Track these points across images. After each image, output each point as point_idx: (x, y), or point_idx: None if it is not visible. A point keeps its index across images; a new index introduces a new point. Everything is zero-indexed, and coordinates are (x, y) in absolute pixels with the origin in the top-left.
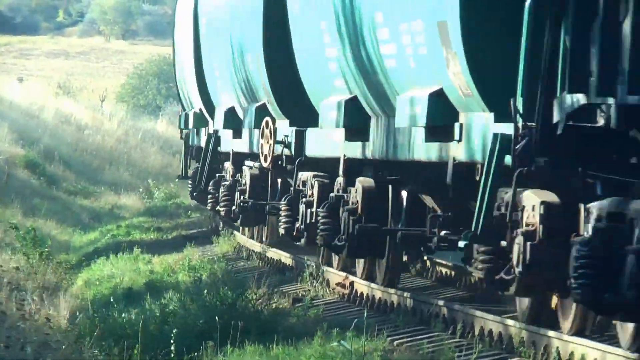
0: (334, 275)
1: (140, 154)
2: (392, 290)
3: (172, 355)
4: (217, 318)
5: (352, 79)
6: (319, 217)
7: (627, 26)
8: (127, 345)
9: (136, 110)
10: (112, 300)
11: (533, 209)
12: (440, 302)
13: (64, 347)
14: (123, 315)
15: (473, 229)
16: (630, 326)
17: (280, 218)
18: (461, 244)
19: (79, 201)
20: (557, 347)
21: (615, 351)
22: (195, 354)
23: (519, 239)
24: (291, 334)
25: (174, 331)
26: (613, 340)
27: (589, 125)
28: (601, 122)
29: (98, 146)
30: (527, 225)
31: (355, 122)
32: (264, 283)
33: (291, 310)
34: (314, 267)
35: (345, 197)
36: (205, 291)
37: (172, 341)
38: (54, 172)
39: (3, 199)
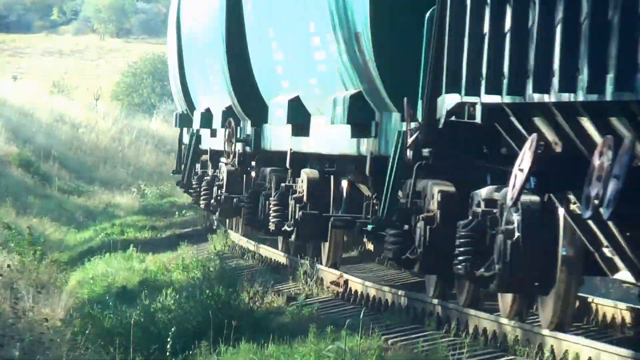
0: (328, 273)
1: (134, 153)
2: (387, 289)
3: (167, 354)
4: (210, 316)
5: (295, 80)
6: (271, 206)
7: (486, 39)
8: (121, 343)
9: (131, 108)
10: (106, 298)
11: (433, 197)
12: (435, 301)
13: (57, 345)
14: (116, 314)
15: (379, 214)
16: (508, 296)
17: (243, 210)
18: (369, 227)
19: (73, 200)
20: (552, 346)
21: (610, 349)
22: (189, 352)
23: (420, 224)
24: (285, 332)
25: (169, 330)
26: (608, 339)
27: (468, 121)
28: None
29: (92, 145)
30: (428, 211)
31: (298, 119)
32: (258, 281)
33: (285, 308)
34: (308, 265)
35: (294, 186)
36: (199, 290)
37: (169, 339)
38: (48, 170)
39: None
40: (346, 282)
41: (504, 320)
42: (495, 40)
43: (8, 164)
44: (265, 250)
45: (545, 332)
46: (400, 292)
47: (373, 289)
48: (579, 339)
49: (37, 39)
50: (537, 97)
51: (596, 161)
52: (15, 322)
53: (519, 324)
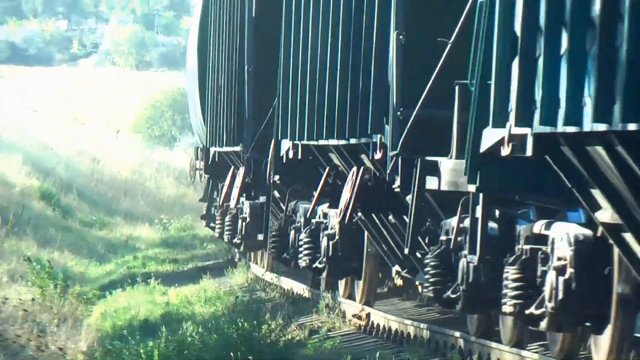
0: (350, 306)
1: (155, 185)
2: (409, 322)
3: None
4: (236, 350)
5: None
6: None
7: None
8: None
9: (151, 141)
10: (127, 332)
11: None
12: (457, 334)
13: None
14: (139, 347)
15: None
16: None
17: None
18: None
19: (94, 232)
20: None
21: None
22: None
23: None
24: None
25: None
26: None
27: None
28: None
29: (113, 177)
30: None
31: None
32: (280, 314)
33: (307, 341)
34: (330, 298)
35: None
36: (221, 323)
37: None
38: (69, 203)
39: (18, 230)
40: (368, 315)
41: (525, 353)
42: None
43: (29, 197)
44: (288, 283)
45: None
46: (422, 325)
47: (395, 322)
48: None
49: (58, 71)
50: None
51: None
52: (37, 355)
53: (542, 357)
